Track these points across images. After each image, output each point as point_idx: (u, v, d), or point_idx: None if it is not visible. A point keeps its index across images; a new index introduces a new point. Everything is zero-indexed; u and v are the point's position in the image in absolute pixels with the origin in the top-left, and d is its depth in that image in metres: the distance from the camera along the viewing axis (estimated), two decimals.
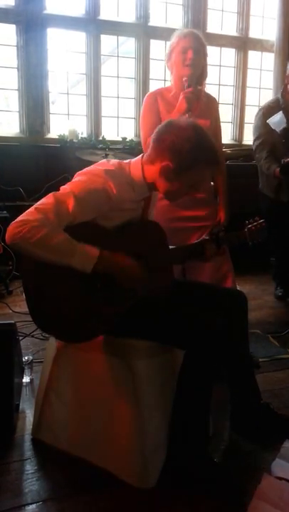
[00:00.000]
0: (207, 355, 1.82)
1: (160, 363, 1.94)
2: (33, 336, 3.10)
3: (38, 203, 1.72)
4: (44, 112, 5.20)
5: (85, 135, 5.33)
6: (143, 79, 5.55)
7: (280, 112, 3.85)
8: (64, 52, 5.31)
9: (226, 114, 6.05)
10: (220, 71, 5.98)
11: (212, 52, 5.69)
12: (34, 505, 1.76)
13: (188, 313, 1.89)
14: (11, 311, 3.70)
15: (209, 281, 2.74)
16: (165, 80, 5.55)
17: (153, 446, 1.86)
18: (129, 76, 5.62)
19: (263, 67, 6.18)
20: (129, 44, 5.64)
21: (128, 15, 5.45)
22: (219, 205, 3.02)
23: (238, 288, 3.17)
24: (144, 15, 5.43)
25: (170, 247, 2.05)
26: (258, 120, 4.05)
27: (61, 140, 5.11)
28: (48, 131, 5.26)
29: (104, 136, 5.37)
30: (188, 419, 1.87)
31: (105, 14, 5.31)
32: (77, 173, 1.88)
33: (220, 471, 1.90)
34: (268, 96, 6.03)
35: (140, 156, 1.95)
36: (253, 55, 6.08)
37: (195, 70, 2.75)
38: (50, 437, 2.07)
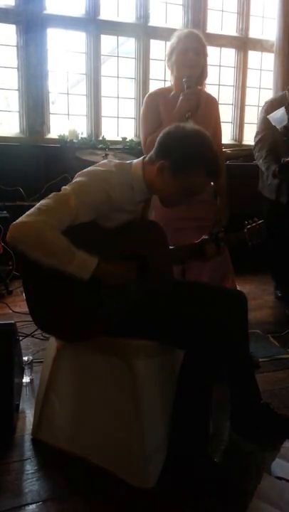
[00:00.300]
0: (207, 355, 1.82)
1: (160, 363, 1.94)
2: (33, 336, 3.11)
3: (40, 203, 1.73)
4: (44, 112, 5.20)
5: (85, 135, 5.33)
6: (143, 79, 5.55)
7: (282, 108, 3.64)
8: (64, 52, 5.31)
9: (225, 114, 6.05)
10: (220, 71, 5.98)
11: (212, 53, 5.69)
12: (34, 505, 1.76)
13: (188, 313, 1.89)
14: (11, 311, 3.70)
15: (209, 281, 2.74)
16: (165, 80, 5.55)
17: (153, 446, 1.86)
18: (129, 76, 5.62)
19: (262, 67, 6.18)
20: (129, 44, 5.64)
21: (128, 15, 5.45)
22: (219, 206, 3.02)
23: (238, 288, 3.18)
24: (144, 15, 5.43)
25: (170, 247, 2.05)
26: (260, 115, 3.89)
27: (61, 140, 5.11)
28: (48, 131, 5.26)
29: (104, 136, 5.37)
30: (188, 419, 1.87)
31: (105, 14, 5.31)
32: (78, 173, 1.88)
33: (220, 471, 1.90)
34: (267, 96, 6.03)
35: (142, 157, 1.96)
36: (252, 55, 6.08)
37: (195, 71, 2.76)
38: (50, 437, 2.07)
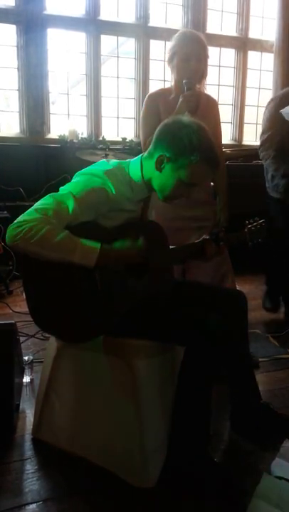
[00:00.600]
0: (207, 355, 1.82)
1: (160, 362, 1.94)
2: (33, 337, 3.11)
3: (37, 203, 1.73)
4: (44, 112, 5.20)
5: (85, 135, 5.34)
6: (143, 79, 5.55)
7: None
8: (64, 52, 5.32)
9: (225, 115, 6.05)
10: (219, 71, 5.98)
11: (212, 53, 5.69)
12: (34, 505, 1.76)
13: (188, 313, 1.89)
14: (11, 311, 3.70)
15: (209, 281, 2.74)
16: (165, 81, 5.55)
17: (153, 446, 1.86)
18: (129, 76, 5.62)
19: (262, 67, 6.18)
20: (129, 44, 5.64)
21: (128, 15, 5.45)
22: (219, 206, 3.02)
23: (238, 288, 3.18)
24: (144, 15, 5.43)
25: (170, 246, 2.05)
26: (268, 112, 3.60)
27: (61, 140, 5.12)
28: (48, 132, 5.26)
29: (105, 137, 5.38)
30: (188, 419, 1.87)
31: (105, 14, 5.31)
32: (77, 173, 1.88)
33: (220, 470, 1.90)
34: (267, 96, 6.03)
35: (140, 155, 1.96)
36: (252, 56, 6.08)
37: (196, 76, 2.76)
38: (50, 437, 2.07)
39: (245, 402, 2.15)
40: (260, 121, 6.24)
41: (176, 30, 2.92)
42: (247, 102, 6.14)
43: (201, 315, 1.86)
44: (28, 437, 2.15)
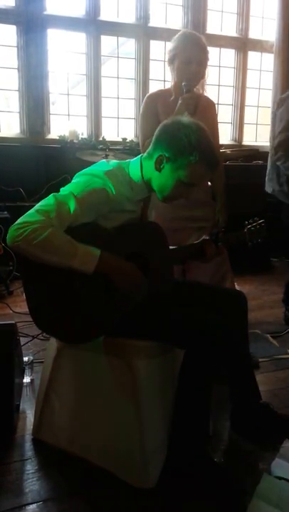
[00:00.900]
0: (207, 355, 1.82)
1: (160, 363, 1.94)
2: (35, 338, 3.11)
3: (39, 204, 1.73)
4: (44, 113, 5.21)
5: (85, 136, 5.34)
6: (143, 79, 5.56)
7: None
8: (64, 52, 5.32)
9: (225, 115, 6.06)
10: (220, 72, 5.99)
11: (212, 53, 5.69)
12: (35, 505, 1.76)
13: (188, 313, 1.89)
14: (11, 312, 3.70)
15: (209, 281, 2.74)
16: (165, 81, 5.56)
17: (153, 446, 1.87)
18: (129, 77, 5.63)
19: (262, 67, 6.19)
20: (129, 45, 5.65)
21: (128, 16, 5.46)
22: (217, 206, 3.03)
23: (238, 288, 3.18)
24: (144, 16, 5.43)
25: (170, 247, 2.05)
26: (283, 113, 3.23)
27: (61, 141, 5.12)
28: (49, 132, 5.27)
29: (105, 137, 5.38)
30: (188, 419, 1.88)
31: (105, 15, 5.32)
32: (77, 174, 1.88)
33: (220, 471, 1.91)
34: (267, 97, 6.05)
35: (139, 155, 1.96)
36: (252, 56, 6.09)
37: (196, 79, 2.77)
38: (50, 437, 2.08)
39: (245, 402, 2.15)
40: (260, 121, 6.30)
41: (176, 31, 2.92)
42: (247, 102, 6.16)
43: (201, 315, 1.87)
44: (28, 437, 2.15)
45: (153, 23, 5.50)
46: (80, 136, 5.25)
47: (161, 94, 2.91)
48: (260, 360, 2.90)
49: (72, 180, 1.87)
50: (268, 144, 5.98)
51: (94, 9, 5.23)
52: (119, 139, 5.40)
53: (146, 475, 1.84)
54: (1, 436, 2.14)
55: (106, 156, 3.99)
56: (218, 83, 6.00)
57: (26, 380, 2.60)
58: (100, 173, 1.82)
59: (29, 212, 1.70)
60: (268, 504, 1.71)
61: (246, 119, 6.18)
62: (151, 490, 1.82)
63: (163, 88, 3.08)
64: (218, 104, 5.84)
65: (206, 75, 2.88)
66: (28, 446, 2.10)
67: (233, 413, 2.18)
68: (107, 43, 5.52)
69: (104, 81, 5.47)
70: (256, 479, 1.85)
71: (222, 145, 5.60)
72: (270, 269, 5.23)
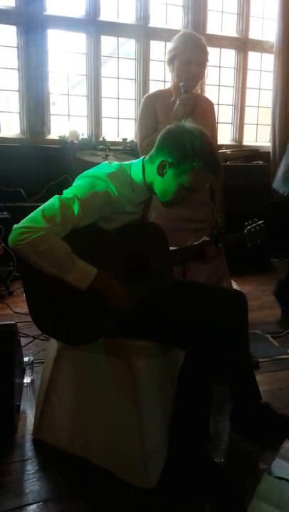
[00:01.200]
0: (207, 355, 1.82)
1: (160, 363, 1.94)
2: (34, 337, 3.11)
3: (44, 207, 1.72)
4: (44, 113, 5.21)
5: (85, 136, 5.35)
6: (143, 80, 5.56)
7: None
8: (64, 53, 5.33)
9: (225, 115, 6.07)
10: (220, 72, 5.99)
11: (212, 54, 5.69)
12: (35, 506, 1.76)
13: (188, 313, 1.89)
14: (11, 312, 3.70)
15: (207, 281, 2.74)
16: (165, 81, 5.56)
17: (153, 446, 1.87)
18: (129, 77, 5.63)
19: (262, 68, 6.19)
20: (129, 45, 5.65)
21: (128, 16, 5.46)
22: (215, 207, 3.03)
23: (238, 288, 3.18)
24: (144, 16, 5.44)
25: (170, 248, 2.05)
26: None
27: (62, 141, 5.13)
28: (49, 132, 5.27)
29: (105, 137, 5.39)
30: (188, 419, 1.88)
31: (105, 15, 5.33)
32: (79, 175, 1.88)
33: (220, 471, 1.91)
34: (267, 97, 6.05)
35: (141, 157, 1.96)
36: (252, 56, 6.09)
37: (195, 80, 2.77)
38: (51, 437, 2.08)
39: (245, 402, 2.15)
40: (261, 122, 6.31)
41: (176, 31, 2.92)
42: (247, 102, 6.16)
43: (201, 315, 1.87)
44: (28, 438, 2.16)
45: (153, 23, 5.50)
46: (80, 137, 5.25)
47: (160, 94, 2.91)
48: (260, 360, 2.90)
49: (75, 182, 1.87)
50: (268, 144, 6.02)
51: (94, 9, 5.23)
52: (120, 140, 5.41)
53: (147, 475, 1.84)
54: (2, 436, 2.14)
55: (106, 157, 3.98)
56: (218, 83, 6.01)
57: (27, 380, 2.60)
58: (103, 175, 1.82)
59: (34, 214, 1.70)
60: (269, 504, 1.71)
61: (246, 120, 6.19)
62: (151, 490, 1.82)
63: (163, 88, 3.08)
64: (218, 104, 5.87)
65: (206, 76, 2.88)
66: (29, 446, 2.10)
67: (233, 413, 2.19)
68: (107, 43, 5.52)
69: (105, 81, 5.48)
70: (256, 479, 1.85)
71: (222, 145, 5.61)
72: (270, 270, 5.23)
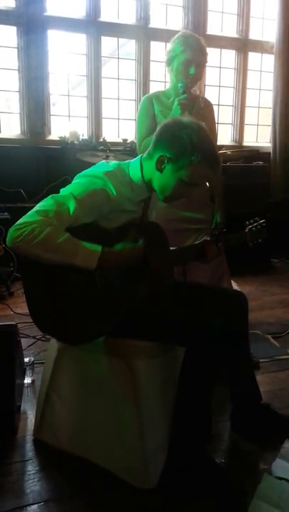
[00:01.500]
0: (207, 355, 1.82)
1: (161, 363, 1.94)
2: (35, 338, 3.12)
3: (38, 205, 1.72)
4: (45, 114, 5.22)
5: (85, 137, 5.35)
6: (143, 80, 5.57)
7: None
8: (64, 54, 5.34)
9: (226, 116, 6.07)
10: (220, 73, 5.99)
11: (212, 54, 5.71)
12: (36, 506, 1.76)
13: (188, 313, 1.89)
14: (12, 313, 3.71)
15: (207, 281, 2.75)
16: (165, 82, 5.56)
17: (154, 446, 1.87)
18: (129, 78, 5.64)
19: (263, 68, 6.20)
20: (129, 46, 5.66)
21: (128, 17, 5.47)
22: (215, 207, 3.03)
23: (238, 289, 3.18)
24: (144, 17, 5.44)
25: (171, 248, 2.05)
26: None
27: (62, 142, 5.13)
28: (49, 133, 5.28)
29: (105, 138, 5.39)
30: (188, 419, 1.88)
31: (106, 16, 5.33)
32: (77, 175, 1.88)
33: (220, 471, 1.91)
34: (267, 97, 6.05)
35: (139, 156, 1.96)
36: (253, 57, 6.09)
37: (194, 81, 2.77)
38: (51, 438, 2.08)
39: (245, 402, 2.15)
40: (261, 122, 6.31)
41: (176, 32, 2.92)
42: (247, 103, 6.17)
43: (202, 315, 1.87)
44: (29, 438, 2.16)
45: (153, 24, 5.51)
46: (81, 137, 5.26)
47: (158, 95, 2.92)
48: (260, 360, 2.90)
49: (72, 182, 1.87)
50: (268, 144, 6.03)
51: (94, 10, 5.24)
52: (120, 140, 5.41)
53: (147, 475, 1.84)
54: (2, 436, 2.14)
55: (106, 157, 3.98)
56: (218, 84, 6.01)
57: (27, 380, 2.61)
58: (100, 173, 1.82)
59: (28, 213, 1.69)
60: (269, 504, 1.71)
61: (247, 120, 6.19)
62: (151, 490, 1.82)
63: (162, 89, 3.08)
64: (218, 105, 5.88)
65: (204, 76, 2.88)
66: (29, 446, 2.11)
67: (233, 413, 2.19)
68: (108, 44, 5.53)
69: (105, 82, 5.49)
70: (257, 479, 1.85)
71: (222, 146, 5.61)
72: (270, 270, 5.23)
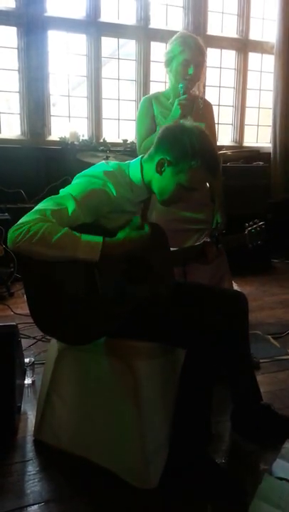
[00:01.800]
0: (208, 356, 1.82)
1: (161, 364, 1.95)
2: (35, 338, 3.12)
3: (37, 206, 1.72)
4: (45, 114, 5.22)
5: (85, 137, 5.35)
6: (144, 81, 5.57)
7: None
8: (65, 54, 5.34)
9: (226, 116, 6.07)
10: (220, 73, 5.99)
11: (212, 55, 5.71)
12: (36, 507, 1.77)
13: (188, 314, 1.89)
14: (12, 313, 3.71)
15: (208, 282, 2.75)
16: (166, 82, 5.55)
17: (154, 446, 1.87)
18: (129, 78, 5.64)
19: (263, 69, 6.20)
20: (129, 46, 5.66)
21: (129, 17, 5.47)
22: (215, 208, 3.03)
23: (239, 289, 3.18)
24: (144, 17, 5.44)
25: (171, 249, 2.05)
26: None
27: (62, 142, 5.13)
28: (49, 134, 5.28)
29: (105, 138, 5.39)
30: (189, 420, 1.88)
31: (106, 16, 5.33)
32: (76, 175, 1.88)
33: (221, 471, 1.91)
34: (268, 98, 6.06)
35: (140, 157, 1.96)
36: (253, 57, 6.10)
37: (193, 81, 2.78)
38: (51, 438, 2.08)
39: (246, 402, 2.16)
40: (261, 123, 6.32)
41: (176, 32, 2.92)
42: (247, 103, 6.17)
43: (202, 316, 1.87)
44: (29, 439, 2.16)
45: (153, 24, 5.51)
46: (81, 138, 5.26)
47: (158, 96, 2.92)
48: (260, 361, 2.90)
49: (72, 182, 1.87)
50: (268, 145, 6.03)
51: (94, 11, 5.24)
52: (120, 141, 5.41)
53: (148, 475, 1.84)
54: (3, 437, 2.15)
55: (107, 158, 3.99)
56: (218, 84, 6.01)
57: (27, 381, 2.61)
58: (100, 173, 1.83)
59: (27, 213, 1.70)
60: (269, 505, 1.72)
61: (247, 121, 6.19)
62: (152, 490, 1.82)
63: (159, 90, 3.09)
64: (218, 105, 5.88)
65: (204, 76, 2.88)
66: (30, 447, 2.11)
67: (233, 414, 2.19)
68: (108, 44, 5.53)
69: (105, 82, 5.49)
70: (257, 480, 1.85)
71: (223, 146, 5.61)
72: (270, 270, 5.23)
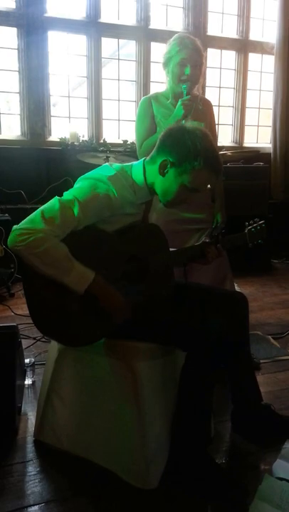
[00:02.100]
0: (208, 356, 1.82)
1: (161, 364, 1.95)
2: (35, 339, 3.12)
3: (43, 209, 1.72)
4: (45, 115, 5.22)
5: (86, 138, 5.36)
6: (144, 81, 5.58)
7: None
8: (65, 55, 5.34)
9: (226, 117, 6.07)
10: (220, 73, 6.00)
11: (212, 55, 5.71)
12: (37, 507, 1.77)
13: (189, 314, 1.89)
14: (13, 314, 3.71)
15: (210, 283, 2.75)
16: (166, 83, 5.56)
17: (155, 447, 1.87)
18: (129, 79, 5.64)
19: (263, 69, 6.20)
20: (129, 47, 5.67)
21: (129, 18, 5.47)
22: (216, 208, 3.03)
23: (239, 289, 3.18)
24: (144, 18, 5.45)
25: (171, 249, 2.05)
26: None
27: (62, 143, 5.13)
28: (49, 134, 5.28)
29: (106, 139, 5.39)
30: (189, 421, 1.88)
31: (106, 17, 5.33)
32: (80, 177, 1.89)
33: (221, 472, 1.91)
34: (268, 98, 6.06)
35: (142, 159, 1.96)
36: (253, 58, 6.10)
37: (192, 82, 2.78)
38: (52, 439, 2.08)
39: (246, 403, 2.16)
40: (261, 123, 6.32)
41: (176, 33, 2.93)
42: (248, 104, 6.17)
43: (202, 316, 1.87)
44: (30, 439, 2.16)
45: (154, 25, 5.51)
46: (81, 139, 5.26)
47: (157, 95, 2.92)
48: (261, 361, 2.90)
49: (75, 184, 1.87)
50: (268, 145, 6.03)
51: (94, 11, 5.24)
52: (120, 141, 5.41)
53: (148, 476, 1.84)
54: (3, 438, 2.15)
55: (107, 159, 3.99)
56: (218, 85, 6.01)
57: (28, 381, 2.61)
58: (104, 177, 1.83)
59: (33, 216, 1.70)
60: (270, 505, 1.72)
61: (247, 121, 6.19)
62: (152, 490, 1.82)
63: (158, 91, 3.09)
64: (219, 106, 5.89)
65: (203, 77, 2.88)
66: (30, 447, 2.11)
67: (234, 414, 2.19)
68: (108, 45, 5.53)
69: (105, 83, 5.49)
70: (257, 480, 1.85)
71: (223, 147, 5.61)
72: (270, 271, 5.23)
